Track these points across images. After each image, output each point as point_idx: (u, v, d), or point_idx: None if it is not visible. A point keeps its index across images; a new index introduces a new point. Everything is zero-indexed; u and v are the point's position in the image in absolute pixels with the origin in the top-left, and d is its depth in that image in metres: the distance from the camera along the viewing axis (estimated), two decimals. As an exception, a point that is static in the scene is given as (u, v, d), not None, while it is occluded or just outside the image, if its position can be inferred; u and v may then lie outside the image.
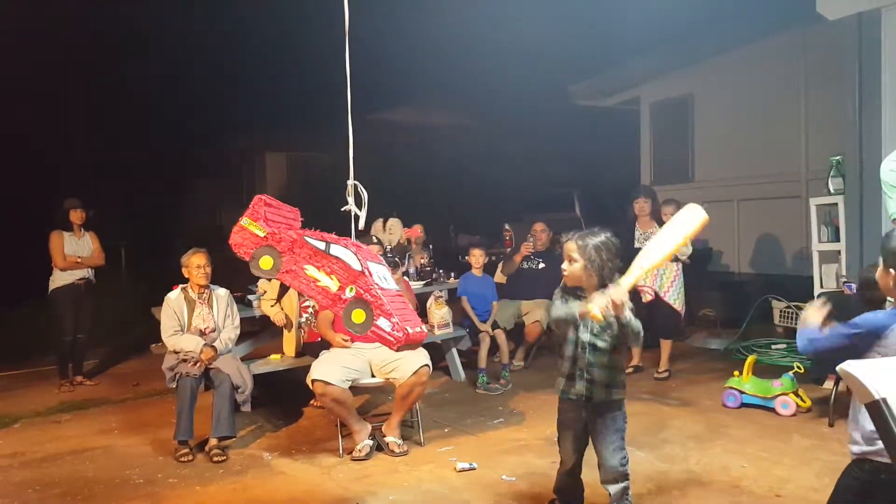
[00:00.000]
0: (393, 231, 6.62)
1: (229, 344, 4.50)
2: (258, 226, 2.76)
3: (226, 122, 13.06)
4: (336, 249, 2.75)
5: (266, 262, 2.73)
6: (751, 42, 7.44)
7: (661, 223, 5.77)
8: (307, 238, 2.77)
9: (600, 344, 2.75)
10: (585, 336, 2.76)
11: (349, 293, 2.70)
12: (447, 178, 13.52)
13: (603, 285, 2.64)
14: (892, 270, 2.05)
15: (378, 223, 6.64)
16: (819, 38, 6.64)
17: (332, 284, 2.71)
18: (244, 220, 2.79)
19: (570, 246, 2.69)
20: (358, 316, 2.70)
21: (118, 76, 10.99)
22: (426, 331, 2.92)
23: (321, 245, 2.75)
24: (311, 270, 2.72)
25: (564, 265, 2.74)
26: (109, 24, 10.02)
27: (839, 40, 5.60)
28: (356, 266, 2.72)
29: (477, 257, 5.94)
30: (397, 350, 2.84)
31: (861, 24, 5.30)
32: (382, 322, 2.71)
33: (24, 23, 8.23)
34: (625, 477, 2.82)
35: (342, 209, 2.98)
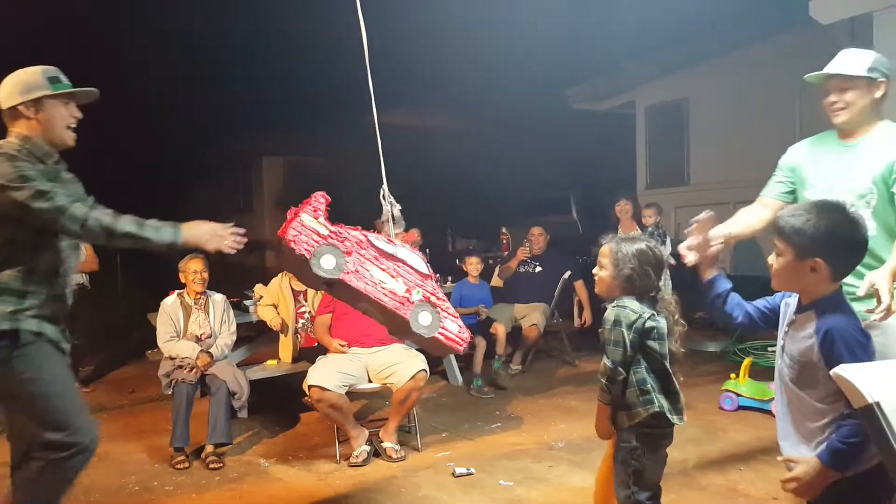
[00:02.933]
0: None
1: (226, 350, 4.50)
2: (320, 223, 2.70)
3: (223, 126, 13.02)
4: (402, 252, 2.76)
5: (328, 262, 2.64)
6: (745, 46, 7.47)
7: (641, 225, 5.94)
8: (372, 239, 2.75)
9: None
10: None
11: (416, 296, 2.70)
12: (444, 182, 13.51)
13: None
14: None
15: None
16: (812, 43, 6.66)
17: (398, 287, 2.70)
18: (305, 217, 2.70)
19: (604, 250, 2.40)
20: (426, 318, 2.72)
21: (115, 79, 10.96)
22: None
23: (389, 248, 2.74)
24: (376, 272, 2.69)
25: (595, 269, 2.47)
26: (107, 26, 10.00)
27: (832, 44, 5.61)
28: (423, 269, 2.74)
29: (474, 265, 5.93)
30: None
31: (854, 27, 5.34)
32: (450, 324, 2.73)
33: (21, 22, 8.20)
34: None
35: (381, 220, 2.97)
